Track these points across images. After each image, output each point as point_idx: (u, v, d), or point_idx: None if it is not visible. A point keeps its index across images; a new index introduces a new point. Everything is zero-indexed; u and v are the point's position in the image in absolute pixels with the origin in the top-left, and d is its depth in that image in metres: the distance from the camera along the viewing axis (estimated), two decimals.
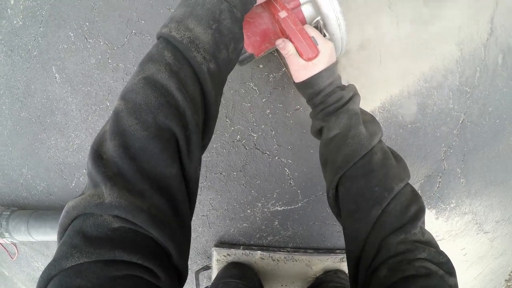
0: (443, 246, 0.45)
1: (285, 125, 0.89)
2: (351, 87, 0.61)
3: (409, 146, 0.93)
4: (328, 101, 0.58)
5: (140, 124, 0.35)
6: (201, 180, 0.99)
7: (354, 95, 0.59)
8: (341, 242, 1.06)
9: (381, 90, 0.88)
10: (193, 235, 1.10)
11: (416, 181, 0.98)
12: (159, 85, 0.37)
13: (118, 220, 0.32)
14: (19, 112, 0.99)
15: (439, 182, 0.98)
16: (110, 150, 0.34)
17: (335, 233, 1.04)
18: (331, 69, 0.60)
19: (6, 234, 1.22)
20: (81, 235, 0.31)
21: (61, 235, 0.33)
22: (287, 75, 0.85)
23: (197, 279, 1.10)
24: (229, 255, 1.05)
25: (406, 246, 0.44)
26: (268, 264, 1.06)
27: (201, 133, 0.42)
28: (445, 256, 0.44)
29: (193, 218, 1.05)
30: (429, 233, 0.48)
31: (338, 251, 1.05)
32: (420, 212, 0.47)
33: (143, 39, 0.85)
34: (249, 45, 0.70)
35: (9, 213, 1.27)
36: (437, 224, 1.06)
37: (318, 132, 0.64)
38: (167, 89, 0.37)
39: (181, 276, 0.37)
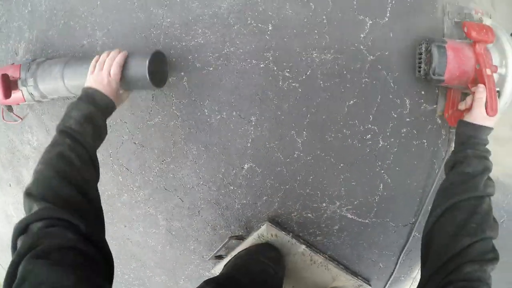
0: None
1: (407, 149, 0.94)
2: (491, 152, 0.75)
3: None
4: (479, 148, 0.73)
5: (56, 173, 0.61)
6: (307, 154, 0.95)
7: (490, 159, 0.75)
8: (367, 271, 1.11)
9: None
10: (251, 200, 1.02)
11: None
12: (65, 156, 0.65)
13: (43, 221, 0.53)
14: None
15: None
16: (36, 189, 0.59)
17: (369, 261, 1.09)
18: (491, 130, 0.75)
19: (30, 81, 0.93)
20: (22, 235, 0.52)
21: (12, 248, 0.52)
22: (434, 112, 0.93)
23: (225, 243, 1.00)
24: (277, 236, 1.00)
25: (474, 276, 0.55)
26: (304, 262, 1.03)
27: (93, 175, 0.69)
28: None
29: (268, 184, 0.98)
30: (491, 281, 0.59)
31: (360, 277, 1.10)
32: (495, 260, 0.58)
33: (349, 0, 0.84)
34: (449, 73, 0.79)
35: (43, 59, 0.99)
36: None
37: (453, 165, 0.75)
38: (70, 157, 0.65)
39: (91, 241, 0.55)
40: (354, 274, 1.10)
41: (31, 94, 0.98)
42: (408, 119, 0.92)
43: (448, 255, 0.59)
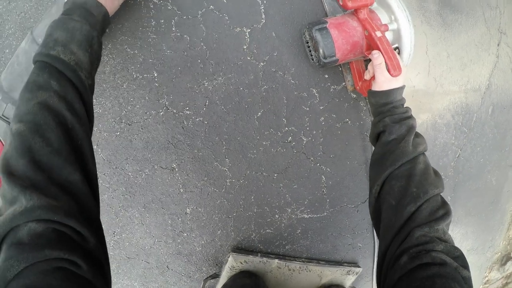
0: None
1: (333, 134, 0.94)
2: (410, 109, 0.72)
3: None
4: (396, 111, 0.69)
5: (44, 141, 0.43)
6: (238, 178, 0.94)
7: (412, 115, 0.71)
8: (349, 255, 1.11)
9: None
10: (208, 238, 1.01)
11: None
12: (52, 108, 0.45)
13: (41, 223, 0.38)
14: None
15: None
16: (20, 166, 0.41)
17: (346, 246, 1.09)
18: (403, 88, 0.72)
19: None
20: (15, 246, 0.36)
21: None
22: (346, 89, 0.91)
23: (203, 287, 1.00)
24: (246, 262, 0.99)
25: (427, 238, 0.53)
26: (283, 274, 1.03)
27: (88, 134, 0.51)
28: (460, 251, 0.53)
29: (215, 219, 0.97)
30: (450, 235, 0.57)
31: (345, 264, 1.10)
32: (446, 215, 0.57)
33: (220, 18, 0.81)
34: (339, 51, 0.76)
35: None
36: None
37: (377, 136, 0.73)
38: (59, 111, 0.46)
39: (101, 265, 0.44)
40: (338, 263, 1.10)
41: (4, 118, 0.79)
42: (322, 107, 0.91)
43: (397, 226, 0.57)
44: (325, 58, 0.76)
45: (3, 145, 0.86)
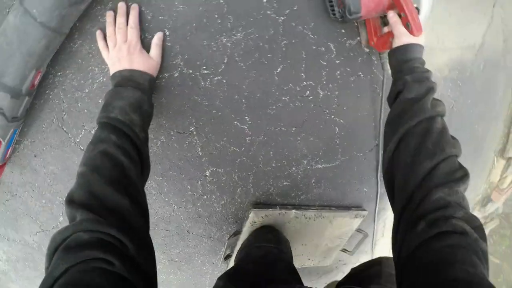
0: None
1: (347, 88, 0.95)
2: (431, 72, 0.72)
3: None
4: (417, 70, 0.70)
5: (100, 176, 0.53)
6: (258, 134, 0.94)
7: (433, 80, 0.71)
8: (356, 200, 1.20)
9: None
10: (228, 198, 1.03)
11: None
12: (110, 154, 0.56)
13: (87, 233, 0.46)
14: None
15: None
16: (79, 196, 0.50)
17: (354, 191, 1.17)
18: (423, 48, 0.74)
19: None
20: (62, 250, 0.44)
21: (49, 257, 0.46)
22: (360, 44, 0.92)
23: (226, 245, 1.04)
24: (267, 216, 1.03)
25: (445, 202, 0.49)
26: (300, 222, 1.10)
27: (140, 175, 0.61)
28: (479, 221, 0.49)
29: (235, 177, 0.99)
30: (467, 201, 0.52)
31: (353, 208, 1.19)
32: (465, 177, 0.53)
33: None
34: (365, 8, 0.76)
35: None
36: None
37: (395, 96, 0.73)
38: (116, 156, 0.56)
39: (138, 266, 0.48)
40: (347, 208, 1.19)
41: None
42: (338, 61, 0.91)
43: (411, 186, 0.53)
44: (350, 14, 0.75)
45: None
